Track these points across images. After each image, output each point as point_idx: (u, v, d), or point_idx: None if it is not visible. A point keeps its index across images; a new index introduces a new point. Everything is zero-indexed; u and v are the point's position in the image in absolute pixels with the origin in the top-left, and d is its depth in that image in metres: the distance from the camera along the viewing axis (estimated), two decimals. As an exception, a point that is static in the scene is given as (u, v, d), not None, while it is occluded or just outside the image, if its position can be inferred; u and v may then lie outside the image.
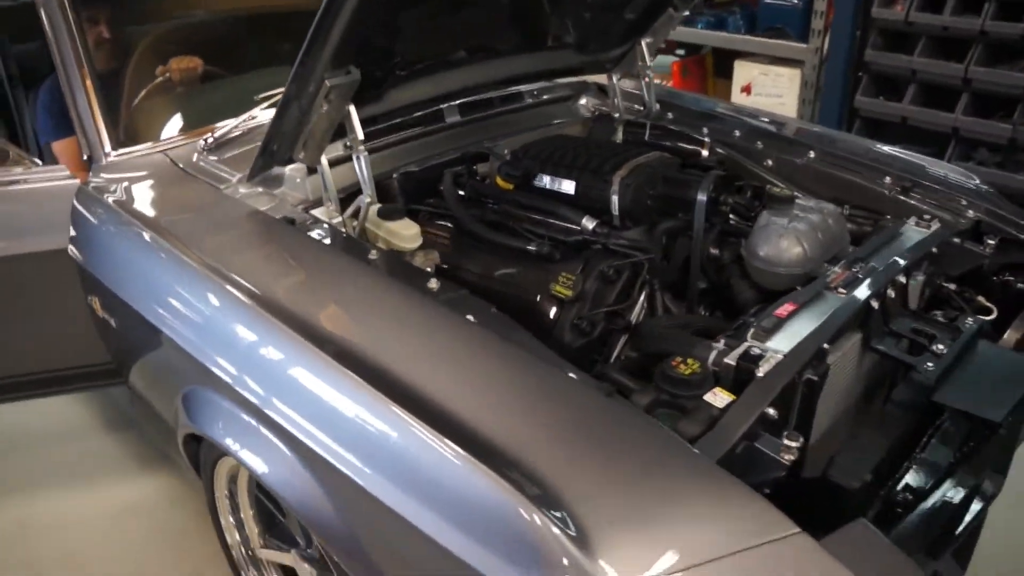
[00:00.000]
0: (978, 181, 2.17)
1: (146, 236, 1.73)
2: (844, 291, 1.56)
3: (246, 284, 1.51)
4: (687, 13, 2.32)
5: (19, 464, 2.56)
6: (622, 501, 1.07)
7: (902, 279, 1.63)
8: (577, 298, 1.67)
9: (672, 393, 1.32)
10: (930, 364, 1.47)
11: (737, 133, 2.34)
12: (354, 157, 1.76)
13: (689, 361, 1.35)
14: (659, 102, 2.46)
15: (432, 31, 1.91)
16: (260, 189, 1.87)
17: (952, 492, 1.54)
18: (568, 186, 1.91)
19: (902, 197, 2.05)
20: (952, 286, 1.93)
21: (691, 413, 1.28)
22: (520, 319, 1.72)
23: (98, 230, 1.87)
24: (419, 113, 2.13)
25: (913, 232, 1.85)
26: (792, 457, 1.21)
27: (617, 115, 2.38)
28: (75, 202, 1.94)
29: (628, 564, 1.00)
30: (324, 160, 1.79)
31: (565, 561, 0.99)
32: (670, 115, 2.49)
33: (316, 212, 1.81)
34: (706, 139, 2.24)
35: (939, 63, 3.31)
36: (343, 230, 1.76)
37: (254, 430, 1.41)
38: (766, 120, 2.45)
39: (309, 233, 1.68)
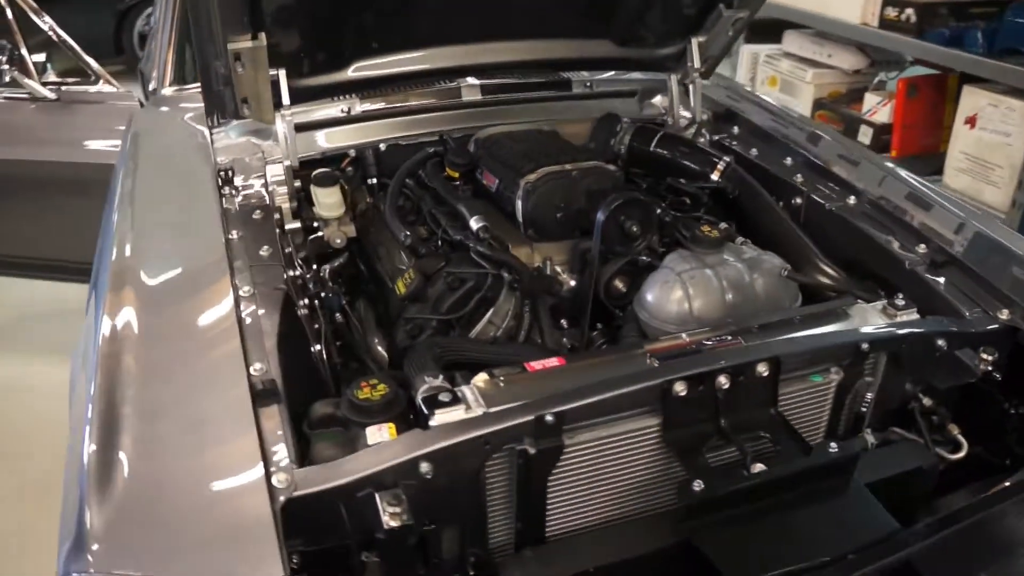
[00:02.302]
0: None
1: (123, 157, 1.97)
2: (656, 362, 1.28)
3: (126, 217, 1.66)
4: (744, 15, 1.98)
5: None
6: (138, 510, 1.03)
7: (762, 369, 1.28)
8: (413, 298, 1.58)
9: (344, 415, 1.21)
10: (699, 483, 1.15)
11: (788, 161, 1.98)
12: (279, 122, 1.81)
13: (379, 387, 1.22)
14: (750, 118, 2.17)
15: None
16: (252, 138, 2.00)
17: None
18: (493, 183, 1.78)
19: (923, 273, 1.59)
20: (927, 401, 1.47)
21: (348, 441, 1.17)
22: (386, 307, 1.69)
23: (121, 151, 2.16)
24: (437, 86, 2.13)
25: (859, 317, 1.44)
26: (395, 523, 1.05)
27: (626, 120, 2.11)
28: (126, 125, 2.26)
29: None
30: (279, 119, 1.85)
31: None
32: (735, 129, 2.18)
33: (270, 168, 1.90)
34: (723, 161, 1.91)
35: None
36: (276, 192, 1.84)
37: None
38: (848, 154, 2.02)
39: (229, 187, 1.79)
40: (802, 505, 1.19)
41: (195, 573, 0.97)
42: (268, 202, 1.82)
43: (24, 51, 2.34)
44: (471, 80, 2.18)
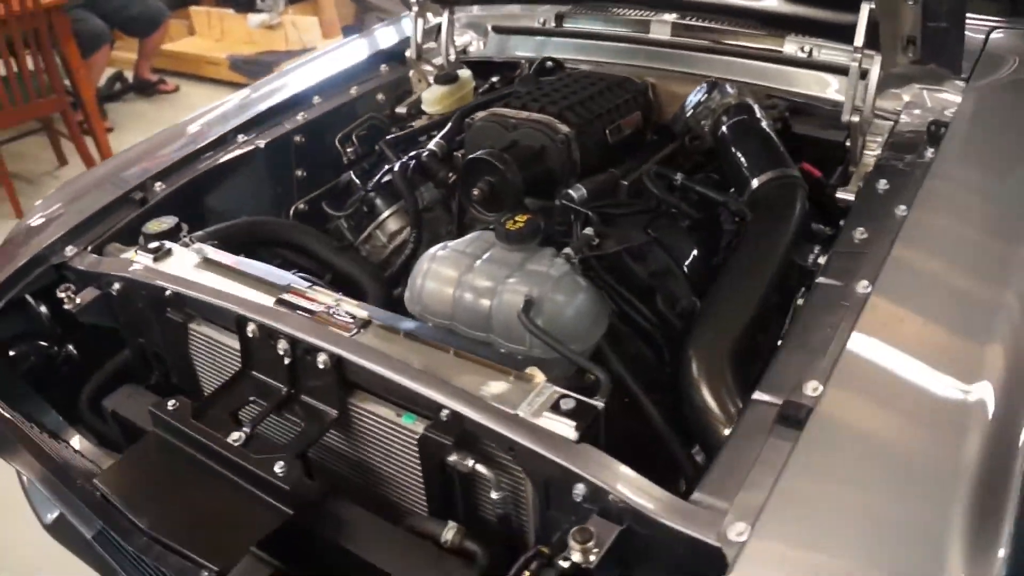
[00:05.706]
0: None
1: None
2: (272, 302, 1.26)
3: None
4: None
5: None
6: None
7: (323, 361, 1.16)
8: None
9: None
10: (174, 403, 1.16)
11: (900, 210, 1.31)
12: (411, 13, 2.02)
13: (163, 224, 1.48)
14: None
15: None
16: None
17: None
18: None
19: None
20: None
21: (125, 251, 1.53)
22: None
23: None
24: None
25: (512, 391, 1.06)
26: (68, 306, 1.41)
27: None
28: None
29: None
30: (427, 11, 2.06)
31: None
32: (929, 153, 1.46)
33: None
34: (771, 172, 1.39)
35: None
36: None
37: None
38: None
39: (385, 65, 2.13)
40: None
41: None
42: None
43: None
44: (664, 16, 1.94)
